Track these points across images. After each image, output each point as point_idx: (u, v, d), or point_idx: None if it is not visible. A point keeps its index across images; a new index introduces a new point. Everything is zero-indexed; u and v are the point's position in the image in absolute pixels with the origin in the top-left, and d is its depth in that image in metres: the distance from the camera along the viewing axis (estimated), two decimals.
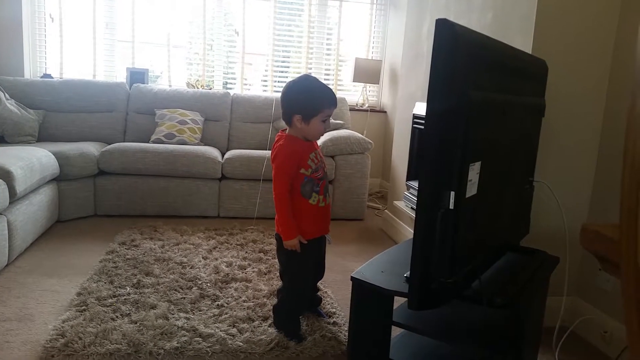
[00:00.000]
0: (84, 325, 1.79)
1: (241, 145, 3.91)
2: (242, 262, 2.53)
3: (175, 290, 2.15)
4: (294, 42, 4.61)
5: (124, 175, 3.27)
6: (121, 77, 4.23)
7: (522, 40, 1.93)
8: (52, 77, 3.96)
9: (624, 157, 0.57)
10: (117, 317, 1.88)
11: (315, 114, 1.75)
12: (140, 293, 2.09)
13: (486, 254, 1.42)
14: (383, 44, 4.73)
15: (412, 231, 1.20)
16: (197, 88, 4.24)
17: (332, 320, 1.98)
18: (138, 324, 1.83)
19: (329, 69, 4.70)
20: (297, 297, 1.89)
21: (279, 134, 1.84)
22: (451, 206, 1.10)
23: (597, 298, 1.97)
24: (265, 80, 4.61)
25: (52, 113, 3.67)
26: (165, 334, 1.77)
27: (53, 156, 2.94)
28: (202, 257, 2.56)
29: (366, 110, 4.64)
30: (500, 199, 1.43)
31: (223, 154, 3.59)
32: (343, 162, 3.54)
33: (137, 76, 4.06)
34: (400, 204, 3.10)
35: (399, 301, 1.40)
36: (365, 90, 4.71)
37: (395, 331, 1.52)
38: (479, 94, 1.14)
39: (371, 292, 1.38)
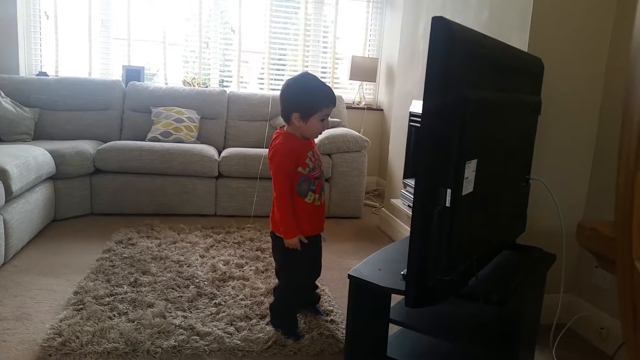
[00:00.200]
0: (81, 324, 1.79)
1: (238, 144, 3.90)
2: (239, 260, 2.53)
3: (173, 288, 2.15)
4: (290, 40, 4.60)
5: (120, 174, 3.25)
6: (117, 75, 4.21)
7: (518, 38, 1.93)
8: (47, 75, 3.93)
9: (618, 155, 0.57)
10: (114, 315, 1.88)
11: (314, 113, 1.75)
12: (137, 292, 2.09)
13: (483, 252, 1.42)
14: (379, 41, 4.73)
15: (409, 229, 1.20)
16: (194, 86, 4.23)
17: (329, 318, 1.98)
18: (135, 322, 1.83)
19: (325, 67, 4.70)
20: (294, 295, 1.90)
21: (277, 131, 1.84)
22: (448, 204, 1.10)
23: (594, 295, 1.98)
24: (262, 78, 4.60)
25: (48, 111, 3.65)
26: (163, 333, 1.77)
27: (49, 154, 2.93)
28: (199, 256, 2.56)
29: (363, 108, 4.64)
30: (496, 196, 1.43)
31: (220, 152, 3.59)
32: (340, 160, 3.54)
33: (133, 74, 4.04)
34: (397, 202, 3.11)
35: (396, 299, 1.40)
36: (362, 88, 4.71)
37: (393, 329, 1.53)
38: (475, 92, 1.15)
39: (368, 290, 1.39)
